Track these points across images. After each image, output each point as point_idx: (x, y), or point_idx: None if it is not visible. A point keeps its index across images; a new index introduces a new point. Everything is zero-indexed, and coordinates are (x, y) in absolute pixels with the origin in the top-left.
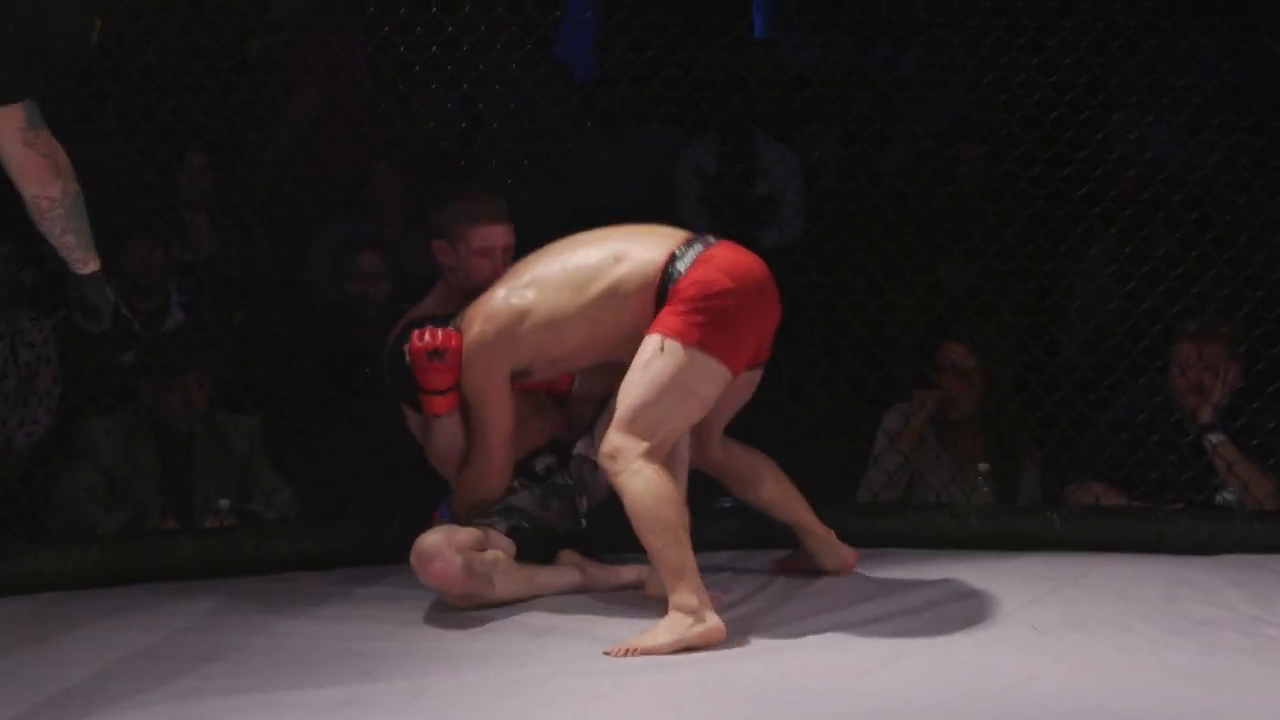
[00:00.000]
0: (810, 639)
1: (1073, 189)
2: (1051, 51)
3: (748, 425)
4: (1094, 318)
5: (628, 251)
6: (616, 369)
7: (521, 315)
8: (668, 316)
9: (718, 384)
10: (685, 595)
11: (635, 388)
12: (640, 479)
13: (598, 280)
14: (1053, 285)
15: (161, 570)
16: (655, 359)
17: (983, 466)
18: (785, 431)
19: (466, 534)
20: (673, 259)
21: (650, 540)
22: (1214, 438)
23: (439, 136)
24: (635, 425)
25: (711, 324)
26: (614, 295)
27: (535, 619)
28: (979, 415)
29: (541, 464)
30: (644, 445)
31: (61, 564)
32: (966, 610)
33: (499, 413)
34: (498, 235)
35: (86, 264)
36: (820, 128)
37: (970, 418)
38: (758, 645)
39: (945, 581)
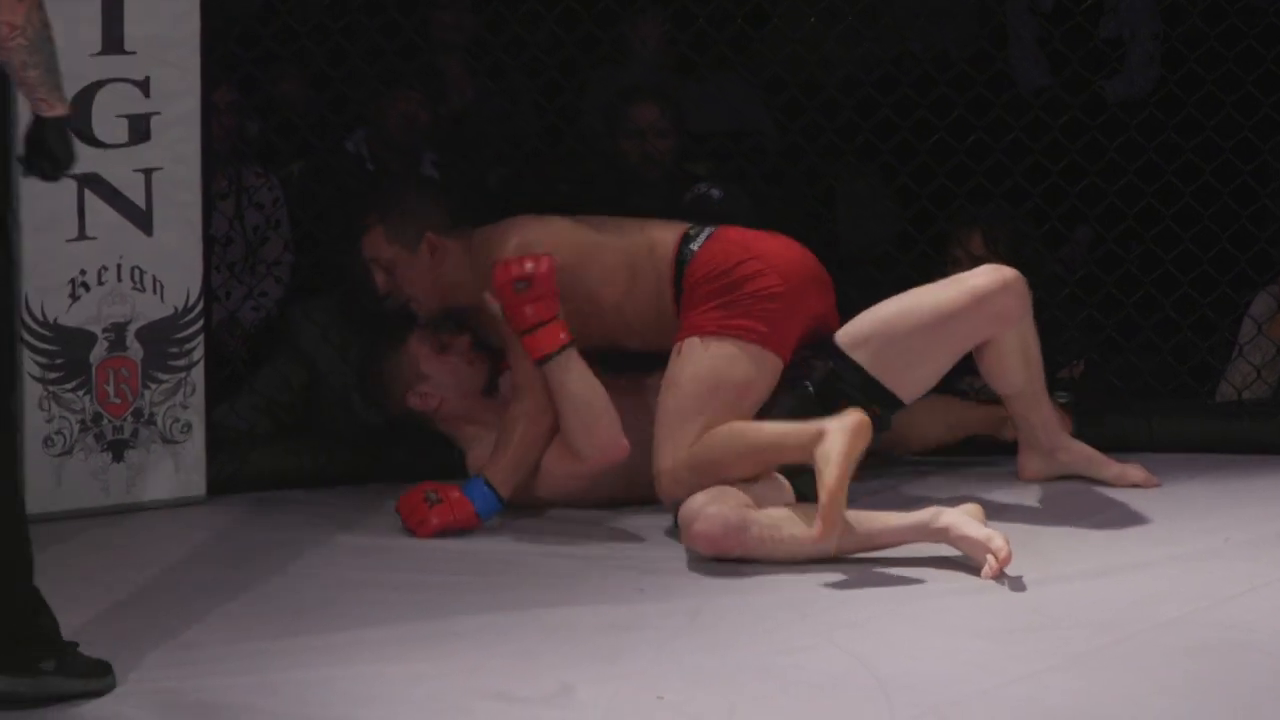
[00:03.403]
0: (1163, 560)
1: None
2: None
3: (1089, 313)
4: None
5: (648, 229)
6: None
7: (566, 238)
8: (684, 316)
9: (758, 372)
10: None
11: (666, 407)
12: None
13: (637, 244)
14: None
15: (407, 468)
16: (678, 366)
17: None
18: (1135, 318)
19: (734, 491)
20: (685, 239)
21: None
22: None
23: None
24: (675, 447)
25: (730, 304)
26: (646, 268)
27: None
28: None
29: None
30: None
31: (295, 460)
32: None
33: None
34: None
35: (52, 106)
36: None
37: None
38: (1095, 564)
39: None
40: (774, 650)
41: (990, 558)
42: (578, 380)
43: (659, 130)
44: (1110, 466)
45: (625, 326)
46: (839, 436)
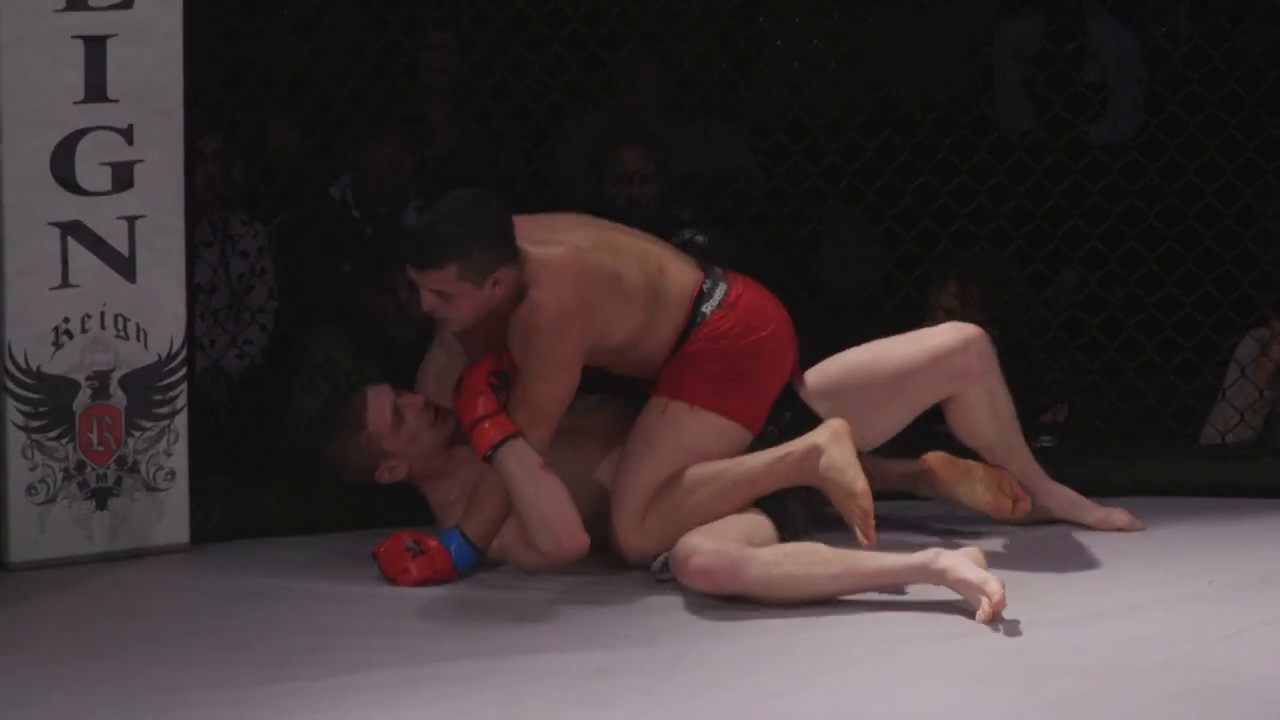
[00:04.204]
0: (1148, 604)
1: None
2: None
3: (1073, 356)
4: None
5: (667, 267)
6: None
7: (604, 279)
8: (676, 373)
9: (731, 444)
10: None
11: (638, 464)
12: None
13: (659, 280)
14: None
15: (391, 515)
16: (659, 424)
17: None
18: (1119, 360)
19: (729, 526)
20: (700, 297)
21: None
22: None
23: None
24: (643, 504)
25: (724, 378)
26: (662, 306)
27: None
28: None
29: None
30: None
31: (278, 508)
32: None
33: (562, 395)
34: None
35: None
36: (1166, 1)
37: None
38: (1079, 609)
39: None
40: (760, 694)
41: (984, 600)
42: (528, 474)
43: (643, 175)
44: (1094, 511)
45: (629, 360)
46: (838, 446)
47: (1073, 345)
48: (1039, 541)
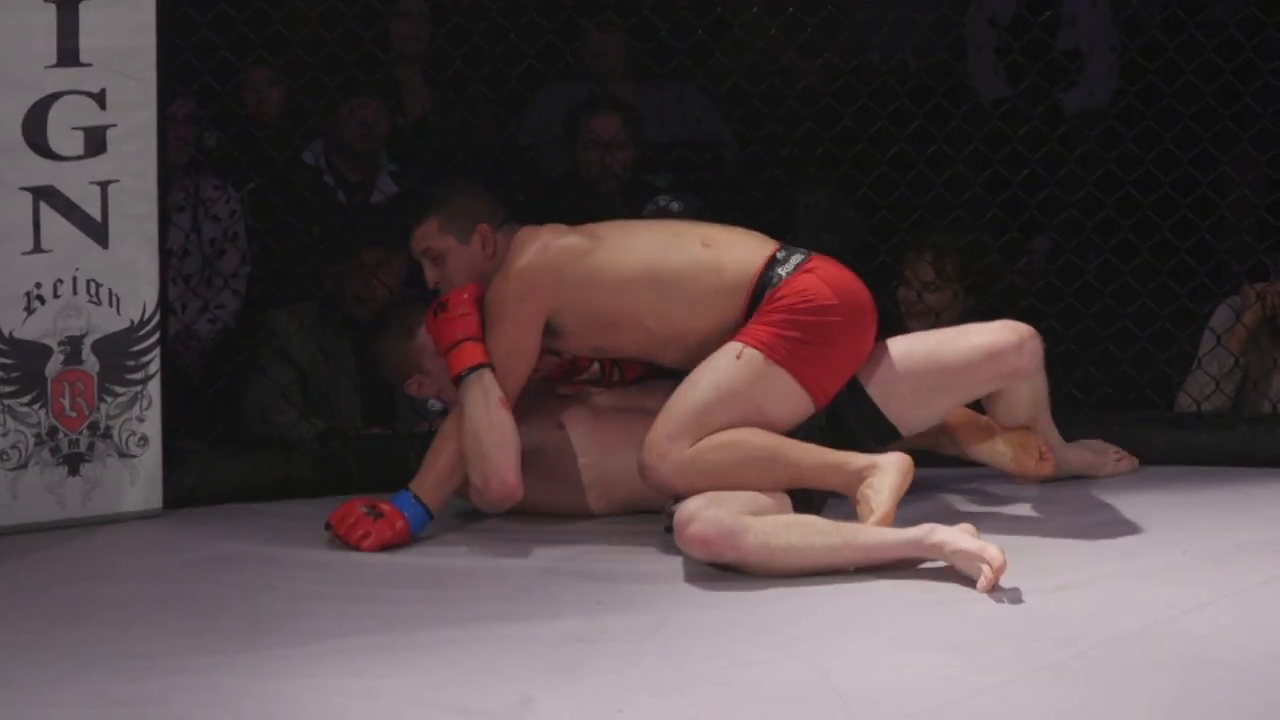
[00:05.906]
0: (1124, 573)
1: None
2: None
3: (1048, 324)
4: None
5: (718, 240)
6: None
7: (578, 256)
8: (756, 326)
9: (793, 409)
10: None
11: (696, 391)
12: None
13: (679, 258)
14: None
15: (365, 481)
16: (729, 365)
17: None
18: (1094, 329)
19: (734, 496)
20: (773, 262)
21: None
22: None
23: None
24: (687, 432)
25: (805, 342)
26: (694, 284)
27: None
28: None
29: None
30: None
31: (251, 474)
32: None
33: (514, 351)
34: None
35: None
36: None
37: None
38: (1054, 578)
39: None
40: (736, 663)
41: (985, 568)
42: (487, 405)
43: (617, 142)
44: (1108, 462)
45: (658, 346)
46: (892, 473)
47: (1048, 313)
48: (1012, 511)
